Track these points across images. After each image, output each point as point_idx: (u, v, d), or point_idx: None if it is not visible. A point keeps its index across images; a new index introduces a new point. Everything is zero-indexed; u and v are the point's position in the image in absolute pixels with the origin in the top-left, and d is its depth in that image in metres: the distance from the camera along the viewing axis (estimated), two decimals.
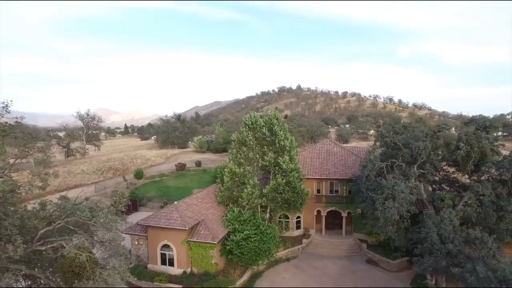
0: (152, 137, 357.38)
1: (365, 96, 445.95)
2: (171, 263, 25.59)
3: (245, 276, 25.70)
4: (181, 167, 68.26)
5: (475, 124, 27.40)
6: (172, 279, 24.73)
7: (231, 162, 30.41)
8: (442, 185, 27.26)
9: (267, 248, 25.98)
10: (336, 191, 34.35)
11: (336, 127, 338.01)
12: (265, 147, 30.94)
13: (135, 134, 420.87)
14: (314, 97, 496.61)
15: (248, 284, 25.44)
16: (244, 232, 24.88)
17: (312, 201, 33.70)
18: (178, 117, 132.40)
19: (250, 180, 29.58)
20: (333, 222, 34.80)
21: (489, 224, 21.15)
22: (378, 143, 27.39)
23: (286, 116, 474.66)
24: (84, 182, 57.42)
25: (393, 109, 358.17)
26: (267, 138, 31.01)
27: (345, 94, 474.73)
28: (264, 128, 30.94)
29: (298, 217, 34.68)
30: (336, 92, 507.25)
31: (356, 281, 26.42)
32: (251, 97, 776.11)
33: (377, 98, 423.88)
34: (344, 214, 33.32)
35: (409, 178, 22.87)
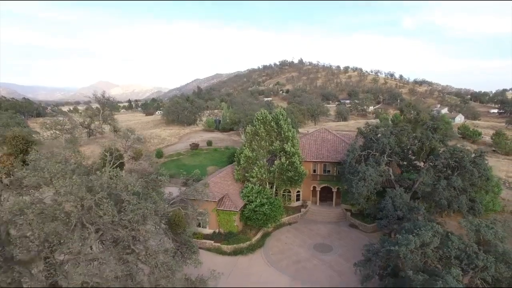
0: (157, 112, 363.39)
1: (366, 71, 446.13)
2: (204, 226, 34.73)
3: (258, 235, 34.87)
4: (195, 146, 76.89)
5: (427, 126, 34.02)
6: (205, 237, 33.92)
7: (246, 149, 38.80)
8: (409, 168, 35.77)
9: (275, 215, 34.98)
10: (328, 171, 42.94)
11: (336, 103, 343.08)
12: (273, 136, 39.26)
13: (139, 109, 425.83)
14: (316, 72, 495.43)
15: (260, 241, 34.64)
16: (258, 201, 33.72)
17: (309, 179, 42.38)
18: (187, 98, 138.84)
19: (259, 161, 38.20)
20: (325, 196, 43.69)
21: (435, 198, 29.68)
22: (358, 137, 35.59)
23: (287, 91, 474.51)
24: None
25: (393, 85, 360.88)
26: (274, 130, 39.22)
27: (346, 69, 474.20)
28: (272, 122, 39.05)
29: (298, 191, 43.57)
30: (338, 67, 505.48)
31: (340, 239, 35.64)
32: (252, 71, 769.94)
33: (379, 74, 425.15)
34: (334, 190, 42.13)
35: (380, 164, 31.25)
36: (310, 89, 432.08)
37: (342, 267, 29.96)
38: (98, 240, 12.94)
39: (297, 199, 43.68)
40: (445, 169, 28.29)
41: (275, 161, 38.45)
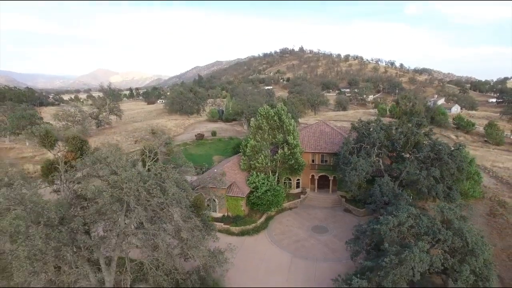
0: (158, 101, 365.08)
1: (367, 60, 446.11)
2: (215, 210, 39.12)
3: (262, 218, 39.28)
4: (200, 136, 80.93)
5: (413, 123, 37.46)
6: (215, 220, 38.31)
7: (252, 140, 42.83)
8: (398, 159, 39.88)
9: (277, 200, 39.33)
10: (326, 161, 47.09)
11: (337, 91, 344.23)
12: (275, 130, 43.24)
13: (140, 97, 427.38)
14: (316, 60, 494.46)
15: (264, 223, 39.06)
16: (263, 188, 37.99)
17: (308, 168, 46.61)
18: (191, 89, 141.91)
19: (264, 151, 42.35)
20: (323, 183, 47.99)
21: (417, 186, 33.85)
22: (352, 132, 39.59)
23: (288, 79, 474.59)
24: (126, 152, 70.44)
25: (394, 74, 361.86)
26: (277, 124, 43.17)
27: (347, 57, 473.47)
28: (275, 116, 42.96)
29: (298, 179, 47.87)
30: (339, 55, 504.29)
31: (335, 222, 40.05)
32: (253, 59, 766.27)
33: (379, 62, 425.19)
34: (330, 178, 46.38)
35: (370, 156, 35.35)
36: (310, 78, 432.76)
37: (336, 245, 34.42)
38: (146, 217, 16.96)
39: (297, 187, 48.02)
40: (427, 160, 32.40)
41: (278, 151, 42.59)
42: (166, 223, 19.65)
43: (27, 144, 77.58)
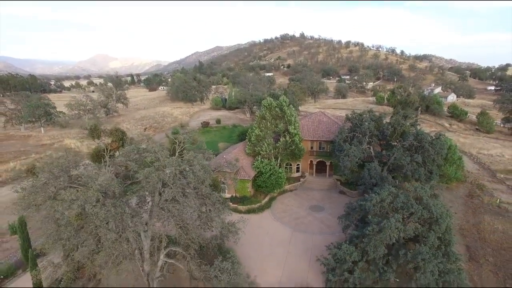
0: (160, 87, 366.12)
1: (368, 46, 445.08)
2: (224, 191, 44.13)
3: (266, 199, 44.34)
4: (205, 124, 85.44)
5: (400, 115, 41.44)
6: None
7: (256, 129, 47.45)
8: (387, 147, 44.65)
9: (279, 183, 44.32)
10: (323, 148, 51.85)
11: (337, 78, 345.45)
12: (277, 120, 47.82)
13: (142, 84, 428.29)
14: (317, 46, 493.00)
15: (268, 203, 44.11)
16: (267, 173, 42.90)
17: (307, 154, 51.43)
18: (195, 77, 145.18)
19: (267, 139, 47.07)
20: (320, 168, 52.91)
21: (402, 170, 38.69)
22: (347, 122, 44.19)
23: (288, 66, 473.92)
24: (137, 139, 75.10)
25: (394, 61, 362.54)
26: (278, 114, 47.71)
27: (348, 43, 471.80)
28: (277, 108, 47.45)
29: (298, 164, 52.77)
30: (339, 41, 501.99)
31: (330, 202, 45.11)
32: (253, 44, 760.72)
33: (380, 49, 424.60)
34: (327, 163, 51.26)
35: (362, 143, 40.08)
36: (311, 64, 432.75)
37: (330, 222, 39.55)
38: (178, 193, 21.66)
39: (297, 171, 52.99)
40: (411, 147, 37.11)
41: (280, 139, 47.30)
42: (192, 199, 24.51)
43: (43, 131, 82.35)
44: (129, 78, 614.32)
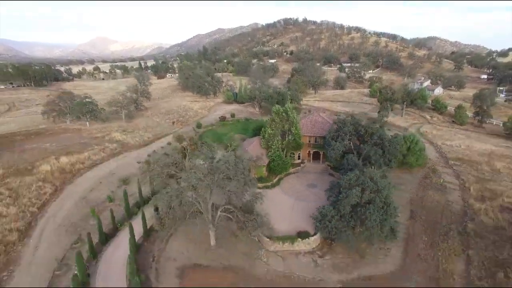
0: (168, 75, 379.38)
1: (369, 33, 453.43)
2: None
3: (276, 178, 61.97)
4: (222, 118, 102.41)
5: (371, 121, 57.32)
6: None
7: (269, 129, 64.54)
8: (363, 142, 61.85)
9: (286, 167, 62.02)
10: (318, 142, 69.05)
11: (338, 66, 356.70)
12: (284, 122, 64.86)
13: (149, 71, 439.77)
14: (319, 33, 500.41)
15: (277, 182, 61.73)
16: (277, 161, 60.48)
17: (306, 146, 68.74)
18: (208, 73, 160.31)
19: (276, 137, 64.29)
20: (316, 157, 70.34)
21: (370, 160, 55.93)
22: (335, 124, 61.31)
23: (291, 53, 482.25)
24: (169, 132, 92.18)
25: (394, 48, 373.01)
26: (285, 118, 64.72)
27: (349, 30, 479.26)
28: (283, 113, 64.39)
29: (299, 153, 70.20)
30: (341, 26, 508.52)
31: (322, 182, 62.69)
32: (256, 29, 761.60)
33: (381, 36, 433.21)
34: (321, 153, 68.66)
35: (344, 140, 57.29)
36: (313, 51, 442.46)
37: (320, 194, 57.00)
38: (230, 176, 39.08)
39: (298, 158, 70.48)
40: (377, 143, 54.29)
41: (286, 136, 64.55)
42: (238, 179, 41.79)
43: (88, 125, 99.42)
44: (135, 64, 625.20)
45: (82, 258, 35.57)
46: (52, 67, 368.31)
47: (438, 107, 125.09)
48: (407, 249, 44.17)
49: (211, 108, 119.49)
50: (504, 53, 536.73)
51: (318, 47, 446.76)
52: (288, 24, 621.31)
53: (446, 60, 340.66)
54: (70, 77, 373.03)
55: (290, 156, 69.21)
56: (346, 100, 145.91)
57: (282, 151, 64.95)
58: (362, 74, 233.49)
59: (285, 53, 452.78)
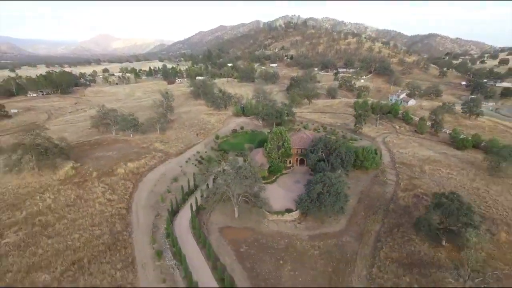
0: (177, 80, 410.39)
1: (364, 38, 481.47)
2: None
3: (274, 177, 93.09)
4: (234, 131, 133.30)
5: (334, 139, 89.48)
6: None
7: (269, 144, 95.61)
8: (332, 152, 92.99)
9: (280, 170, 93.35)
10: (303, 152, 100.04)
11: (334, 71, 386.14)
12: (279, 139, 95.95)
13: (159, 76, 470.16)
14: (318, 37, 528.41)
15: (275, 180, 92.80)
16: (274, 165, 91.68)
17: (295, 155, 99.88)
18: (220, 90, 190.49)
19: (274, 150, 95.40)
20: (302, 162, 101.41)
21: (334, 165, 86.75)
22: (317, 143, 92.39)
23: (291, 57, 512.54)
24: (196, 142, 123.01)
25: (386, 54, 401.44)
26: (280, 137, 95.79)
27: (346, 35, 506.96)
28: (280, 133, 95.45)
29: (290, 160, 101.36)
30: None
31: (304, 180, 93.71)
32: (258, 32, 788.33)
33: (375, 42, 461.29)
34: (305, 160, 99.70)
35: (318, 152, 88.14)
36: (312, 55, 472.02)
37: (302, 187, 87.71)
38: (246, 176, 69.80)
39: (289, 163, 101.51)
40: (339, 154, 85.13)
41: (280, 148, 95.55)
42: (251, 178, 72.95)
43: (131, 136, 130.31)
44: (143, 65, 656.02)
45: (169, 221, 67.06)
46: (72, 75, 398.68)
47: (406, 118, 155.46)
48: (350, 219, 75.21)
49: (224, 121, 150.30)
50: (495, 55, 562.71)
51: (317, 52, 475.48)
52: (288, 27, 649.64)
53: (433, 66, 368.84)
54: (87, 82, 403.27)
55: (283, 162, 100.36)
56: (333, 111, 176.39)
57: (278, 158, 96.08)
58: (352, 83, 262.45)
59: (285, 58, 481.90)
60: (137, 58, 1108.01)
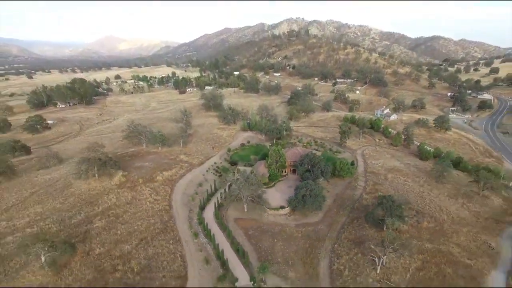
0: (188, 89, 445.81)
1: (363, 49, 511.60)
2: None
3: (273, 183, 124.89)
4: (242, 144, 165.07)
5: (328, 151, 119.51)
6: None
7: (269, 159, 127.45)
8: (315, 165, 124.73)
9: (277, 177, 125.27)
10: (295, 163, 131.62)
11: (333, 81, 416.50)
12: (277, 155, 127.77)
13: (170, 84, 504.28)
14: (319, 46, 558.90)
15: (273, 185, 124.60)
16: (273, 175, 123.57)
17: (289, 166, 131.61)
18: (229, 107, 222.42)
19: (273, 163, 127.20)
20: (294, 172, 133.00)
21: (317, 175, 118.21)
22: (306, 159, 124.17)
23: (294, 67, 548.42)
24: (212, 154, 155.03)
25: (381, 65, 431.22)
26: (277, 154, 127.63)
27: (345, 45, 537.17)
28: (278, 151, 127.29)
29: (285, 170, 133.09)
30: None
31: (295, 185, 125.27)
32: (263, 39, 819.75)
33: (372, 53, 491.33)
34: (297, 170, 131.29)
35: (305, 165, 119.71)
36: (313, 65, 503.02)
37: (292, 191, 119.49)
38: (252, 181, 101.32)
39: (284, 173, 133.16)
40: (319, 166, 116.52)
41: (277, 163, 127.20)
42: (255, 184, 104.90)
43: (160, 149, 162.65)
44: (151, 71, 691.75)
45: (200, 214, 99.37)
46: (93, 85, 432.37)
47: (385, 132, 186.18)
48: (325, 214, 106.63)
49: (234, 136, 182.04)
50: (489, 62, 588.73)
51: (317, 61, 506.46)
52: (291, 36, 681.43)
53: (423, 75, 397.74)
54: (105, 91, 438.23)
55: (280, 171, 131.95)
56: (325, 125, 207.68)
57: (275, 169, 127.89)
58: (346, 96, 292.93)
59: (288, 67, 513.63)
60: (145, 62, 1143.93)
